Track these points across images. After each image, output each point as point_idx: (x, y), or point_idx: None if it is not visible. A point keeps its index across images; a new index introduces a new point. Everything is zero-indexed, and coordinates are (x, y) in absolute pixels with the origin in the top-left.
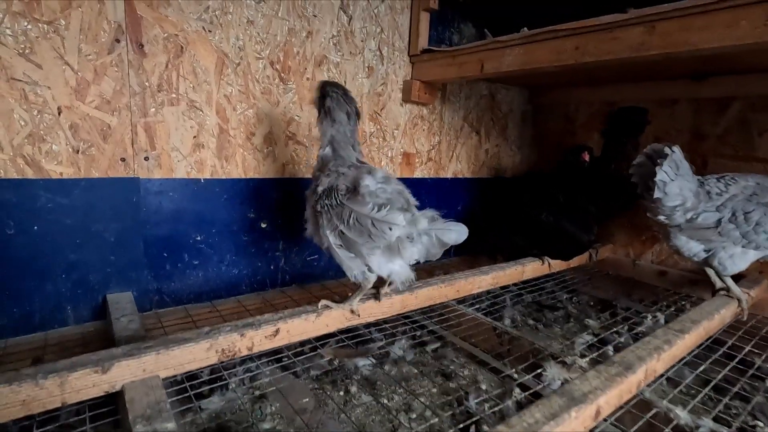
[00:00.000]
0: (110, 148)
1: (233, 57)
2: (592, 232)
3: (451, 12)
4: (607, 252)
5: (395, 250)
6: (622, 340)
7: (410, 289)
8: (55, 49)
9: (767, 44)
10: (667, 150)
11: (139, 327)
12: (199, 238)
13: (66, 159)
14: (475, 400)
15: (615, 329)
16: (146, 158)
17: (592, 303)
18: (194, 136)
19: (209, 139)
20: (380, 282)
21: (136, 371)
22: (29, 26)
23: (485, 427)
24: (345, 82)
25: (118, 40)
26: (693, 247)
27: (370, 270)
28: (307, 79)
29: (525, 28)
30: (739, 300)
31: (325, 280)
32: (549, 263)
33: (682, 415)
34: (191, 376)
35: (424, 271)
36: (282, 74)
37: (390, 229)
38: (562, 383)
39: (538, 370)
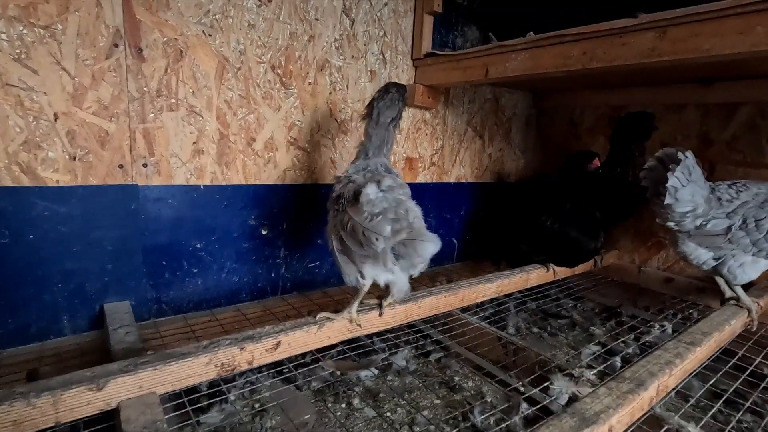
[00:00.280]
0: (108, 154)
1: (234, 61)
2: (599, 239)
3: (455, 15)
4: (613, 258)
5: (383, 260)
6: (629, 351)
7: (414, 298)
8: (51, 54)
9: None
10: (680, 155)
11: (136, 339)
12: (198, 246)
13: (63, 166)
14: (481, 416)
15: (622, 339)
16: (145, 165)
17: (597, 311)
18: (194, 142)
19: (209, 145)
20: (384, 292)
21: (132, 388)
22: (25, 31)
23: None
24: (347, 87)
25: (116, 45)
26: (702, 255)
27: (362, 276)
28: (309, 83)
29: (531, 33)
30: (749, 310)
31: (326, 287)
32: (554, 270)
33: None
34: (190, 389)
35: (427, 277)
36: (283, 79)
37: (377, 239)
38: (570, 398)
39: (545, 383)
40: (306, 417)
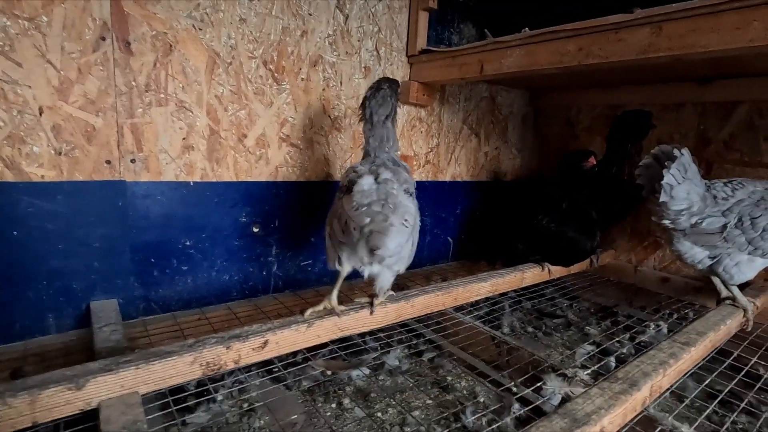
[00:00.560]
0: (95, 150)
1: (225, 56)
2: (595, 238)
3: (450, 12)
4: (609, 258)
5: (359, 251)
6: (624, 350)
7: (406, 297)
8: (36, 47)
9: None
10: (675, 152)
11: (121, 338)
12: (188, 243)
13: (48, 161)
14: (473, 416)
15: (617, 338)
16: (133, 160)
17: (592, 310)
18: (183, 138)
19: (199, 140)
20: (374, 292)
21: (114, 387)
22: (9, 23)
23: None
24: (341, 83)
25: (103, 38)
26: (697, 254)
27: (339, 263)
28: (302, 79)
29: (526, 29)
30: (744, 309)
31: (319, 286)
32: (549, 269)
33: None
34: (177, 388)
35: (422, 276)
36: (275, 74)
37: (354, 228)
38: (564, 399)
39: (538, 383)
40: (294, 417)
